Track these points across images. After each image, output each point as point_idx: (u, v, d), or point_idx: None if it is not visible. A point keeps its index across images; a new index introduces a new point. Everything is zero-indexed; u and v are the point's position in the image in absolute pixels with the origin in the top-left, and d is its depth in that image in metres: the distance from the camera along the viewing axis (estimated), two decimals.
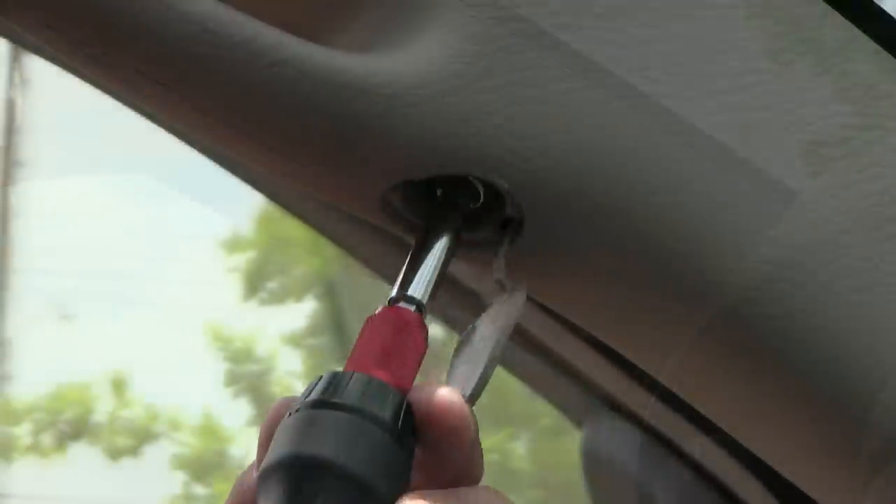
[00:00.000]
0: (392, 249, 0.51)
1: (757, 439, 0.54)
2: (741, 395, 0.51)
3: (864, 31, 0.51)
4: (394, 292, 0.48)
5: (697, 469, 0.87)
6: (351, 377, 0.45)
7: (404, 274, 0.48)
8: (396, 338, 0.47)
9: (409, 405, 0.45)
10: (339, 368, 0.47)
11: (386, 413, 0.45)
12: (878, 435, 0.50)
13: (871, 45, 0.51)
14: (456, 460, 0.47)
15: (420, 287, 0.48)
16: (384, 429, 0.44)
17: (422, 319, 0.48)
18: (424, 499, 0.45)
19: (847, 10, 0.51)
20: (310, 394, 0.45)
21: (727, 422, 0.54)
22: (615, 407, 0.90)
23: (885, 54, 0.52)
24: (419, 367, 0.47)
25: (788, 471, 0.54)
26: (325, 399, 0.45)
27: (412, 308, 0.48)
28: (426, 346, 0.48)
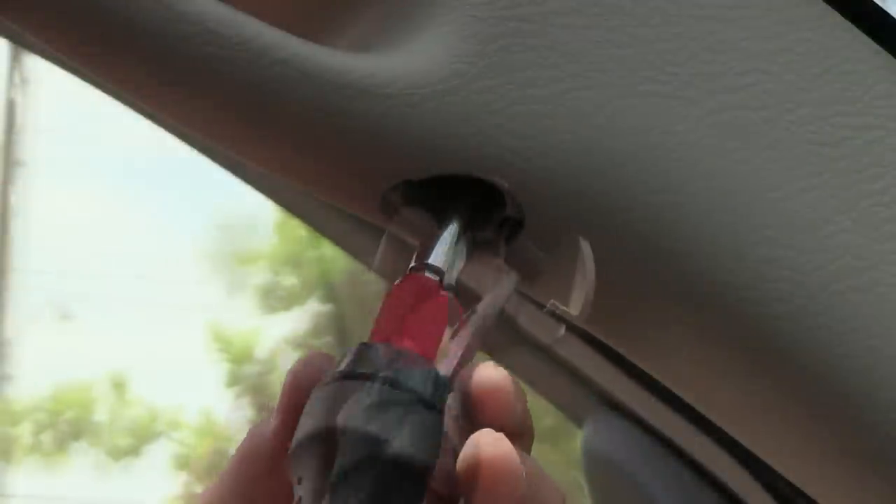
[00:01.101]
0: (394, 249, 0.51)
1: (757, 439, 0.54)
2: (741, 394, 0.51)
3: (864, 31, 0.51)
4: (413, 263, 0.48)
5: (697, 469, 0.88)
6: (380, 348, 0.45)
7: (421, 248, 0.48)
8: (422, 307, 0.47)
9: (438, 375, 0.45)
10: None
11: (417, 383, 0.45)
12: (878, 435, 0.50)
13: (871, 45, 0.51)
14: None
15: (440, 257, 0.48)
16: (417, 398, 0.44)
17: (444, 287, 0.48)
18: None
19: (847, 10, 0.51)
20: (339, 365, 0.45)
21: (727, 422, 0.54)
22: (615, 407, 0.90)
23: (885, 54, 0.52)
24: (443, 335, 0.47)
25: (788, 471, 0.54)
26: (356, 370, 0.45)
27: (435, 277, 0.48)
28: (448, 315, 0.48)
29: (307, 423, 0.45)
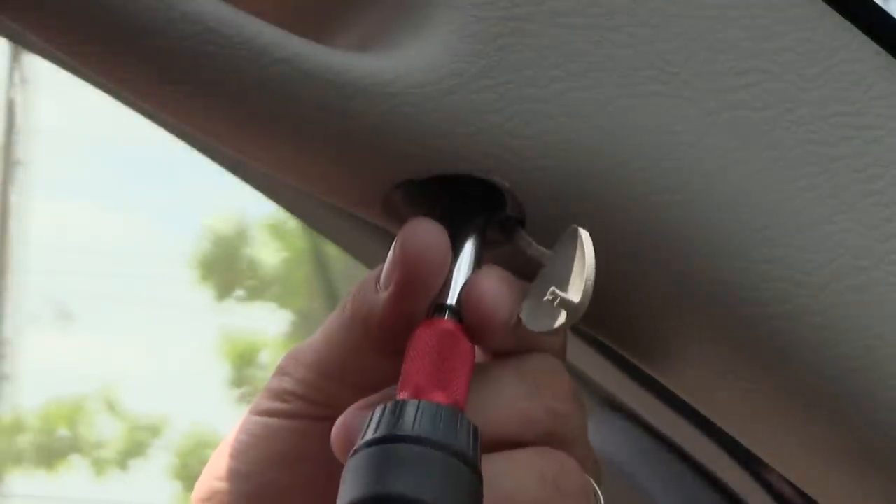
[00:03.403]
0: None
1: (757, 439, 0.54)
2: (741, 395, 0.51)
3: (864, 31, 0.52)
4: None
5: (698, 469, 0.88)
6: (414, 406, 0.44)
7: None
8: (448, 356, 0.46)
9: (473, 426, 0.45)
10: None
11: (458, 442, 0.44)
12: (879, 435, 0.50)
13: (871, 45, 0.51)
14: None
15: (456, 295, 0.47)
16: (461, 459, 0.44)
17: (463, 328, 0.47)
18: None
19: (847, 10, 0.51)
20: (371, 426, 0.44)
21: (727, 422, 0.54)
22: (615, 407, 0.90)
23: (885, 54, 0.52)
24: (470, 378, 0.47)
25: (789, 471, 0.54)
26: (395, 433, 0.44)
27: (454, 319, 0.47)
28: (474, 356, 0.47)
29: (350, 492, 0.43)
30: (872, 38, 0.52)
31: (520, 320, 0.47)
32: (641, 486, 0.89)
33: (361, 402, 0.48)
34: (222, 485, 0.51)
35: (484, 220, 0.49)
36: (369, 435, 0.44)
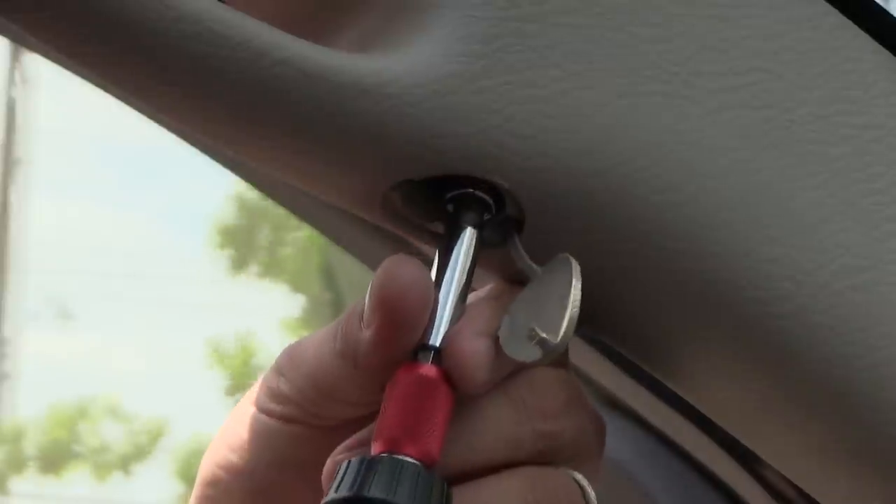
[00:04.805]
0: (394, 249, 0.51)
1: (758, 439, 0.54)
2: (742, 394, 0.51)
3: (865, 31, 0.52)
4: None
5: (698, 469, 0.88)
6: (383, 465, 0.44)
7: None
8: (423, 403, 0.45)
9: (442, 484, 0.44)
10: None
11: (417, 502, 0.43)
12: (880, 435, 0.50)
13: (872, 45, 0.51)
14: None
15: (440, 332, 0.47)
16: None
17: (444, 372, 0.46)
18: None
19: (847, 10, 0.51)
20: (337, 483, 0.44)
21: (728, 422, 0.54)
22: (616, 407, 0.90)
23: (885, 54, 0.52)
24: (447, 426, 0.46)
25: (790, 471, 0.54)
26: (362, 494, 0.43)
27: (436, 362, 0.46)
28: (453, 401, 0.46)
29: None
30: (873, 38, 0.52)
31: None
32: (641, 486, 0.89)
33: (349, 442, 0.48)
34: (226, 476, 0.52)
35: (483, 220, 0.49)
36: (335, 492, 0.44)
